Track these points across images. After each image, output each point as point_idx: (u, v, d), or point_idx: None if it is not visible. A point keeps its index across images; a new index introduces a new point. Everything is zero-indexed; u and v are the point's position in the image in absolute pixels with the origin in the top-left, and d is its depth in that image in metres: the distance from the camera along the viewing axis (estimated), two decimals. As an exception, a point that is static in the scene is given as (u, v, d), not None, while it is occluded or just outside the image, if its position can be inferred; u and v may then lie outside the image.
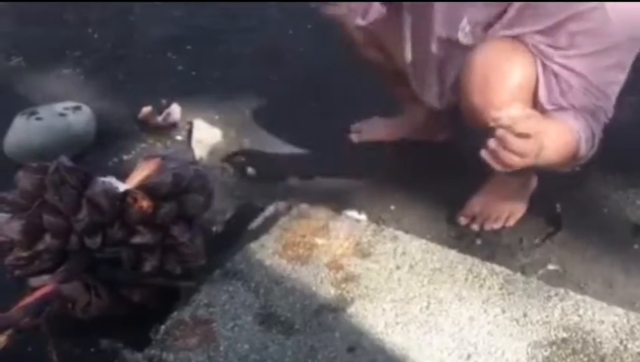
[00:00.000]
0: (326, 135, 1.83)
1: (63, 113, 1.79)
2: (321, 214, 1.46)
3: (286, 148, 1.82)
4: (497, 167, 1.14)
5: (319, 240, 1.40)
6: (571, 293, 1.29)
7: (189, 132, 1.86)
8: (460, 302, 1.27)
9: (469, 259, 1.37)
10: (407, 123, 1.79)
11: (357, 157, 1.77)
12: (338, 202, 1.56)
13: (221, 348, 1.19)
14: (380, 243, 1.40)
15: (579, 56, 1.31)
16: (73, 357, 1.24)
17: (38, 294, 1.21)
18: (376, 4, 1.50)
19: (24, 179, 1.27)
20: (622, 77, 1.36)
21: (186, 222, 1.31)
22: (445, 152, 1.76)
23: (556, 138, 1.24)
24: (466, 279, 1.32)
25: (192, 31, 2.32)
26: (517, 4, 1.33)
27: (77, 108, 1.82)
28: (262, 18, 2.39)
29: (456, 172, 1.66)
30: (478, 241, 1.51)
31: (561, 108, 1.33)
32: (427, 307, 1.26)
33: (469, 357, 1.18)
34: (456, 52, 1.43)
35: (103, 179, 1.30)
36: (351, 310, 1.26)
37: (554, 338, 1.21)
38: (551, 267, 1.44)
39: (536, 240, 1.51)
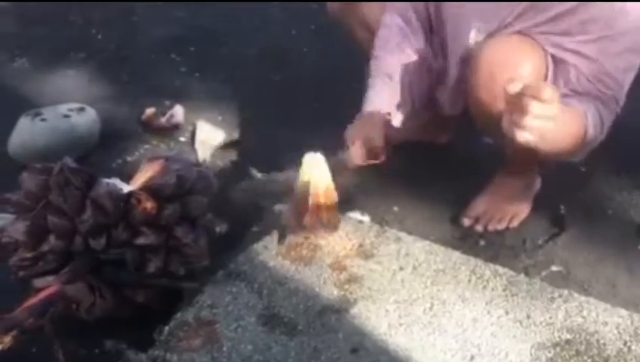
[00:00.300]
0: (330, 136, 1.83)
1: (67, 114, 1.79)
2: (324, 215, 1.46)
3: (289, 149, 1.82)
4: (523, 137, 1.09)
5: (322, 242, 1.40)
6: (575, 295, 1.29)
7: (193, 133, 1.87)
8: (463, 303, 1.27)
9: (473, 260, 1.36)
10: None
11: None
12: (341, 203, 1.56)
13: (224, 349, 1.19)
14: (383, 244, 1.40)
15: (590, 42, 1.30)
16: (77, 357, 1.24)
17: (42, 295, 1.22)
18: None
19: (28, 180, 1.27)
20: (638, 61, 1.35)
21: (189, 223, 1.32)
22: (448, 154, 1.76)
23: (564, 119, 1.20)
24: (470, 280, 1.32)
25: (196, 32, 2.33)
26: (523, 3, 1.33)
27: (81, 109, 1.82)
28: (265, 19, 2.39)
29: (459, 173, 1.66)
30: (482, 242, 1.51)
31: (569, 96, 1.32)
32: (430, 308, 1.26)
33: (472, 358, 1.18)
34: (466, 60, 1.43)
35: (107, 180, 1.30)
36: (354, 311, 1.26)
37: (558, 339, 1.20)
38: (555, 268, 1.44)
39: (540, 242, 1.51)
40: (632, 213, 1.58)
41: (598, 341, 1.20)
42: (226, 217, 1.58)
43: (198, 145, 1.83)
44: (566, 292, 1.29)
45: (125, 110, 1.95)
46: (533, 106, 1.06)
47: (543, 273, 1.42)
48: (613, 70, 1.33)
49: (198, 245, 1.32)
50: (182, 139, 1.86)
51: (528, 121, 1.08)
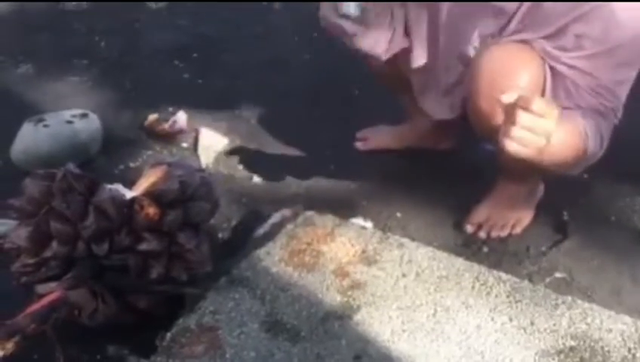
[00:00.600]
0: (332, 143, 1.84)
1: (70, 120, 1.79)
2: (327, 222, 1.46)
3: (292, 156, 1.82)
4: (512, 147, 1.09)
5: (325, 248, 1.39)
6: (579, 301, 1.28)
7: (195, 139, 1.87)
8: (466, 310, 1.27)
9: (476, 267, 1.36)
10: (413, 131, 1.79)
11: (363, 165, 1.78)
12: (344, 209, 1.56)
13: (227, 356, 1.19)
14: (386, 250, 1.39)
15: (586, 57, 1.30)
16: (79, 363, 1.24)
17: (44, 301, 1.22)
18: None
19: (31, 186, 1.28)
20: (633, 74, 1.35)
21: (192, 229, 1.32)
22: (451, 160, 1.76)
23: (562, 133, 1.20)
24: (473, 287, 1.31)
25: (198, 39, 2.33)
26: (520, 13, 1.33)
27: (84, 115, 1.82)
28: (267, 26, 2.40)
29: (462, 179, 1.66)
30: (485, 249, 1.51)
31: (567, 108, 1.32)
32: (434, 315, 1.26)
33: (476, 365, 1.17)
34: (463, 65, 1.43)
35: (109, 186, 1.30)
36: (357, 317, 1.25)
37: (562, 346, 1.20)
38: (558, 275, 1.43)
39: (543, 248, 1.50)
40: (636, 219, 1.57)
41: (602, 348, 1.19)
42: (228, 223, 1.58)
43: (200, 151, 1.83)
44: (570, 298, 1.29)
45: (128, 116, 1.96)
46: (522, 117, 1.06)
47: (547, 279, 1.42)
48: (610, 83, 1.33)
49: (201, 251, 1.31)
50: (184, 145, 1.86)
51: (515, 131, 1.08)
